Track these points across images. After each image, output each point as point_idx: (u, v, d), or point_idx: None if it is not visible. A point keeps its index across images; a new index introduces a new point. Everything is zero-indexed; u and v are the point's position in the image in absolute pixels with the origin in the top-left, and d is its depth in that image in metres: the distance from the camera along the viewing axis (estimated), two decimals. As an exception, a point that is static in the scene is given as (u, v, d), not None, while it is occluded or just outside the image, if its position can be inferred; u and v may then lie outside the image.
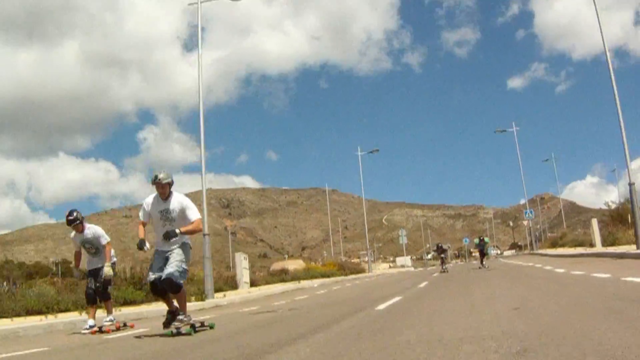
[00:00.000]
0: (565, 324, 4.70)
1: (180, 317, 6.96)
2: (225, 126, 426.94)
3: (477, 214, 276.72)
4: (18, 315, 11.90)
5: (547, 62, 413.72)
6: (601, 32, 19.37)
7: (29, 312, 12.41)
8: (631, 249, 18.27)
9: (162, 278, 6.84)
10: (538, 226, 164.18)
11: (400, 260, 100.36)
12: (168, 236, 6.92)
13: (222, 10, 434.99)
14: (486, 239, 27.29)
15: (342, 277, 33.80)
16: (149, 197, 7.43)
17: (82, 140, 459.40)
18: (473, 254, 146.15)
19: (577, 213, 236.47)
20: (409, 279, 22.28)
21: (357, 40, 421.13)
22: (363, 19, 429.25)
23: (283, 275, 30.19)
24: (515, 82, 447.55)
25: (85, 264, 9.35)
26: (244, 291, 21.82)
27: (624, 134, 18.81)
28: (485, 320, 5.51)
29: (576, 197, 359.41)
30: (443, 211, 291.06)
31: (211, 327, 7.48)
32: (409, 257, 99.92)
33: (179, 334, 6.82)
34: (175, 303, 7.11)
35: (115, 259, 9.40)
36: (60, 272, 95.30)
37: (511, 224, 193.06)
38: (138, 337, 7.31)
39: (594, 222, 30.30)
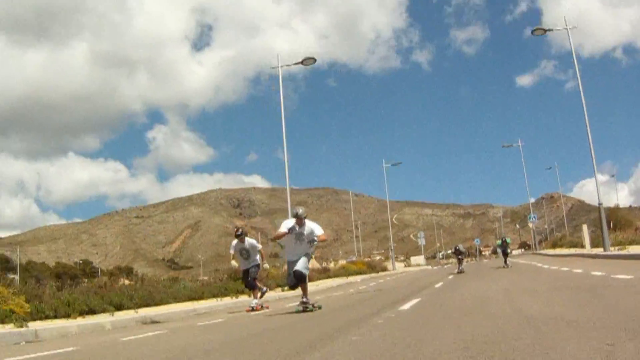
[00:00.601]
0: (527, 288, 10.19)
1: (304, 299, 10.37)
2: (235, 125, 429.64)
3: (486, 213, 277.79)
4: (167, 303, 15.45)
5: (556, 60, 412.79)
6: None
7: (178, 300, 16.28)
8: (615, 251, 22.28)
9: (294, 271, 10.36)
10: (546, 226, 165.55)
11: (415, 259, 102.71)
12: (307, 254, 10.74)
13: (230, 9, 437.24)
14: (508, 240, 29.13)
15: (374, 274, 37.80)
16: (289, 221, 10.92)
17: (91, 140, 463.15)
18: (483, 253, 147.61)
19: (587, 212, 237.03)
20: (435, 275, 26.38)
21: (365, 38, 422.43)
22: (372, 17, 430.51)
23: (328, 273, 34.22)
24: (524, 80, 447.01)
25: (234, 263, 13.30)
26: (310, 284, 24.67)
27: (592, 152, 22.03)
28: (490, 288, 11.38)
29: (585, 195, 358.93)
30: (453, 210, 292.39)
31: (319, 308, 10.53)
32: (423, 256, 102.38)
33: (304, 310, 10.08)
34: (301, 290, 10.66)
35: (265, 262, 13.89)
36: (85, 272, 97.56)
37: (517, 226, 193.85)
38: (283, 313, 10.68)
39: (584, 227, 34.91)
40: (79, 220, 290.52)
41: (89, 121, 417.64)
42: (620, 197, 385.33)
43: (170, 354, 5.46)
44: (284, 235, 10.65)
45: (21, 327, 9.25)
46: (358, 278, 31.08)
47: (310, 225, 10.58)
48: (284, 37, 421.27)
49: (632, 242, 26.98)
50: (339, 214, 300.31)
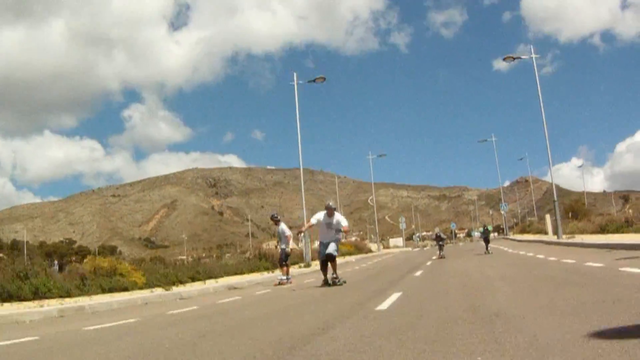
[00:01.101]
0: (491, 265, 14.60)
1: (334, 275, 12.75)
2: (211, 105, 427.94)
3: (461, 196, 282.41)
4: (222, 276, 19.25)
5: (533, 44, 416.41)
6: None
7: (228, 274, 20.22)
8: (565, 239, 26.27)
9: (327, 254, 12.84)
10: (519, 210, 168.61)
11: (393, 241, 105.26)
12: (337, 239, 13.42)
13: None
14: (489, 228, 31.34)
15: (364, 255, 40.81)
16: (320, 214, 13.26)
17: (68, 119, 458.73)
18: (458, 236, 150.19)
19: (560, 196, 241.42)
20: (420, 257, 29.64)
21: (343, 20, 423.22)
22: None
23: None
24: (501, 64, 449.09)
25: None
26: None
27: (547, 140, 25.07)
28: (466, 265, 16.02)
29: (561, 179, 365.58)
30: (428, 192, 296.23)
31: (345, 282, 12.82)
32: (402, 238, 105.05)
33: (334, 284, 12.48)
34: (330, 268, 13.12)
35: (291, 244, 16.78)
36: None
37: (490, 212, 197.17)
38: (312, 287, 13.42)
39: (547, 217, 39.24)
40: (54, 198, 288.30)
41: (65, 99, 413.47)
42: (595, 181, 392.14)
43: (275, 307, 8.96)
44: (309, 227, 13.72)
45: (169, 290, 12.92)
46: (352, 258, 33.76)
47: (338, 217, 12.71)
48: (262, 18, 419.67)
49: (582, 231, 30.92)
50: (315, 195, 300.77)
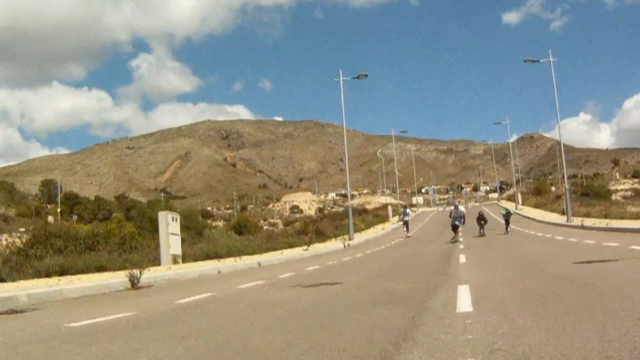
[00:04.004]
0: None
1: (455, 238, 24.96)
2: (220, 56, 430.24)
3: (468, 150, 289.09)
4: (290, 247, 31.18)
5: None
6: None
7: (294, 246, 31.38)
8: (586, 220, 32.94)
9: (454, 225, 25.98)
10: (525, 164, 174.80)
11: (414, 199, 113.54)
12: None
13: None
14: (512, 211, 35.33)
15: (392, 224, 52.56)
16: (451, 206, 32.42)
17: (76, 69, 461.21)
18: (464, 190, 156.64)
19: (565, 152, 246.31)
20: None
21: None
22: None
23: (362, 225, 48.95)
24: (511, 17, 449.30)
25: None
26: (371, 231, 35.40)
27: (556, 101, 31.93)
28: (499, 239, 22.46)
29: (568, 134, 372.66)
30: (436, 146, 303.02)
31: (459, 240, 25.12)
32: (421, 197, 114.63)
33: (455, 241, 24.15)
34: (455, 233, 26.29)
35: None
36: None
37: (496, 167, 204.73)
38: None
39: (567, 197, 41.24)
40: (64, 150, 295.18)
41: (73, 50, 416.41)
42: (602, 137, 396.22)
43: (372, 271, 13.11)
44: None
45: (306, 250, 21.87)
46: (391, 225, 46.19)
47: (460, 208, 27.09)
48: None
49: (587, 215, 37.67)
50: (324, 147, 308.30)
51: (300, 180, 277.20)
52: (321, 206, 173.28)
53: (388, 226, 50.05)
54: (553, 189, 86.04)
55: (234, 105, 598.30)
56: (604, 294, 5.83)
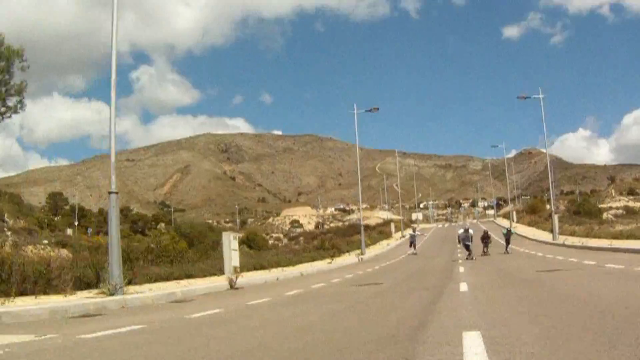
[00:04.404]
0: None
1: (472, 255, 27.64)
2: (221, 68, 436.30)
3: (466, 165, 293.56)
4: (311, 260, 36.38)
5: (543, 13, 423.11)
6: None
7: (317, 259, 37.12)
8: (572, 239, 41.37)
9: (466, 245, 30.55)
10: (524, 180, 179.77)
11: (414, 215, 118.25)
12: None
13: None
14: (512, 231, 36.51)
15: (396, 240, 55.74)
16: (461, 230, 31.43)
17: (76, 80, 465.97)
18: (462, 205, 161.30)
19: (563, 169, 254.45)
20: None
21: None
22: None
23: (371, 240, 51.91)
24: (511, 31, 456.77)
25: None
26: (377, 247, 39.64)
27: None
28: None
29: (566, 150, 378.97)
30: (434, 161, 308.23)
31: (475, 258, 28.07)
32: (420, 213, 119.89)
33: (470, 258, 27.03)
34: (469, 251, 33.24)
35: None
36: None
37: (495, 183, 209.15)
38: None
39: (555, 218, 46.43)
40: (64, 161, 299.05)
41: (73, 61, 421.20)
42: (601, 153, 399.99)
43: (397, 278, 20.74)
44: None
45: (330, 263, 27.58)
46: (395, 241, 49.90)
47: (470, 231, 28.90)
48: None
49: (572, 233, 42.71)
50: (323, 161, 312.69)
51: (299, 194, 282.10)
52: (320, 220, 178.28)
53: (392, 242, 55.10)
54: (548, 207, 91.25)
55: (233, 118, 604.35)
56: (541, 284, 10.90)
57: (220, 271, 21.11)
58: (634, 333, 4.70)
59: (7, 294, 10.67)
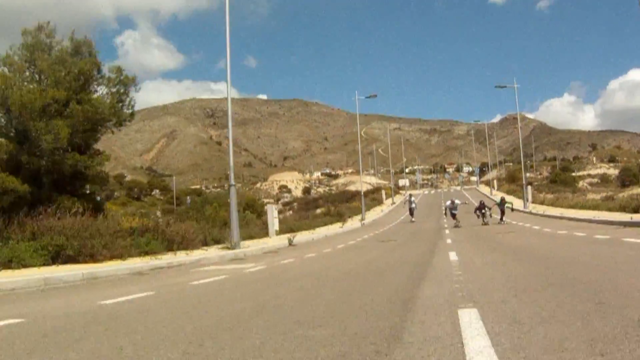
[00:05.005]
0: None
1: (458, 223, 38.28)
2: (205, 32, 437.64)
3: (451, 130, 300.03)
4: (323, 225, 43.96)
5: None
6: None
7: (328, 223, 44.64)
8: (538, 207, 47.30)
9: (453, 214, 37.04)
10: (508, 145, 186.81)
11: (401, 181, 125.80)
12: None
13: None
14: (507, 200, 37.03)
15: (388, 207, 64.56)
16: (448, 202, 38.30)
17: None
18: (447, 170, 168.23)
19: (547, 134, 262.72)
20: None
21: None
22: None
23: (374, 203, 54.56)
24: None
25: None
26: (372, 213, 48.48)
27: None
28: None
29: (552, 116, 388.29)
30: (419, 126, 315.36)
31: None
32: (407, 179, 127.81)
33: (456, 226, 34.78)
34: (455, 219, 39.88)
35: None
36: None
37: (479, 147, 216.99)
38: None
39: (529, 189, 54.18)
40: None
41: (58, 26, 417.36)
42: (586, 118, 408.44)
43: (403, 236, 28.06)
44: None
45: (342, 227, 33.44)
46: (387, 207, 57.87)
47: (457, 201, 34.78)
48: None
49: (542, 202, 49.76)
50: (309, 126, 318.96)
51: (285, 159, 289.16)
52: (308, 186, 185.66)
53: (385, 209, 62.81)
54: (528, 174, 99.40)
55: (218, 82, 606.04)
56: (491, 240, 18.55)
57: (265, 234, 28.66)
58: (562, 269, 12.33)
59: (171, 250, 17.92)
